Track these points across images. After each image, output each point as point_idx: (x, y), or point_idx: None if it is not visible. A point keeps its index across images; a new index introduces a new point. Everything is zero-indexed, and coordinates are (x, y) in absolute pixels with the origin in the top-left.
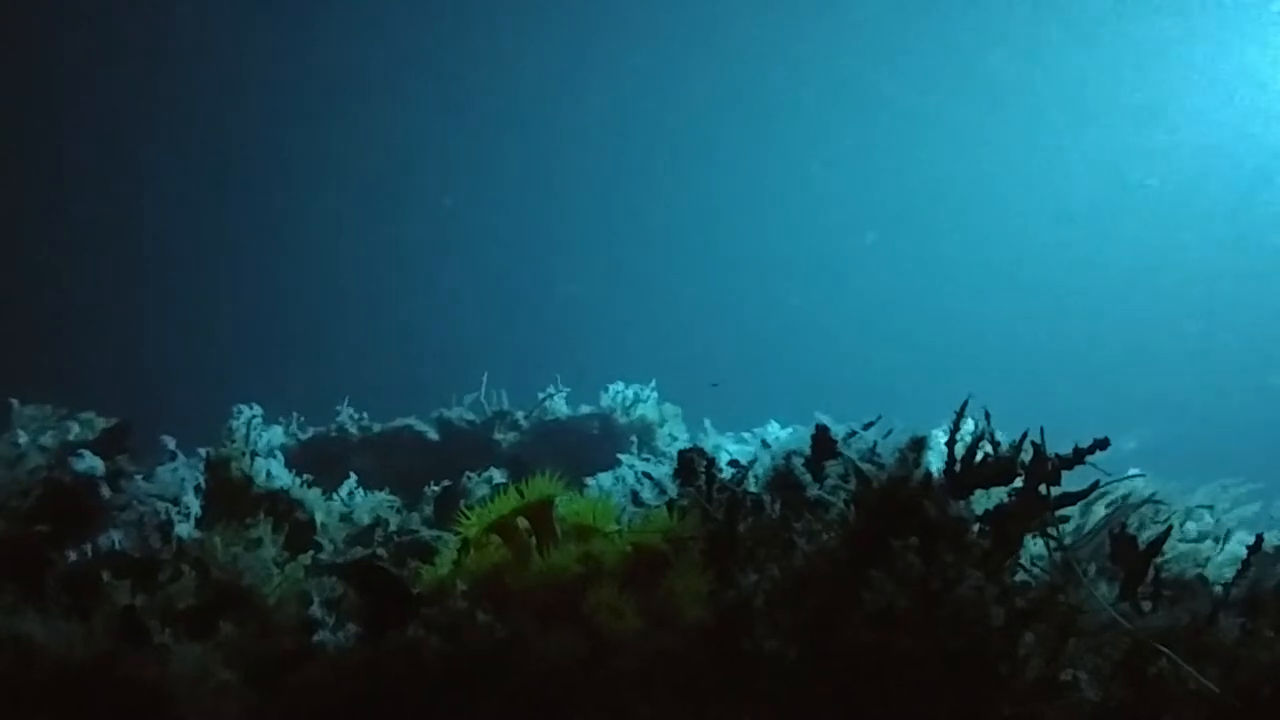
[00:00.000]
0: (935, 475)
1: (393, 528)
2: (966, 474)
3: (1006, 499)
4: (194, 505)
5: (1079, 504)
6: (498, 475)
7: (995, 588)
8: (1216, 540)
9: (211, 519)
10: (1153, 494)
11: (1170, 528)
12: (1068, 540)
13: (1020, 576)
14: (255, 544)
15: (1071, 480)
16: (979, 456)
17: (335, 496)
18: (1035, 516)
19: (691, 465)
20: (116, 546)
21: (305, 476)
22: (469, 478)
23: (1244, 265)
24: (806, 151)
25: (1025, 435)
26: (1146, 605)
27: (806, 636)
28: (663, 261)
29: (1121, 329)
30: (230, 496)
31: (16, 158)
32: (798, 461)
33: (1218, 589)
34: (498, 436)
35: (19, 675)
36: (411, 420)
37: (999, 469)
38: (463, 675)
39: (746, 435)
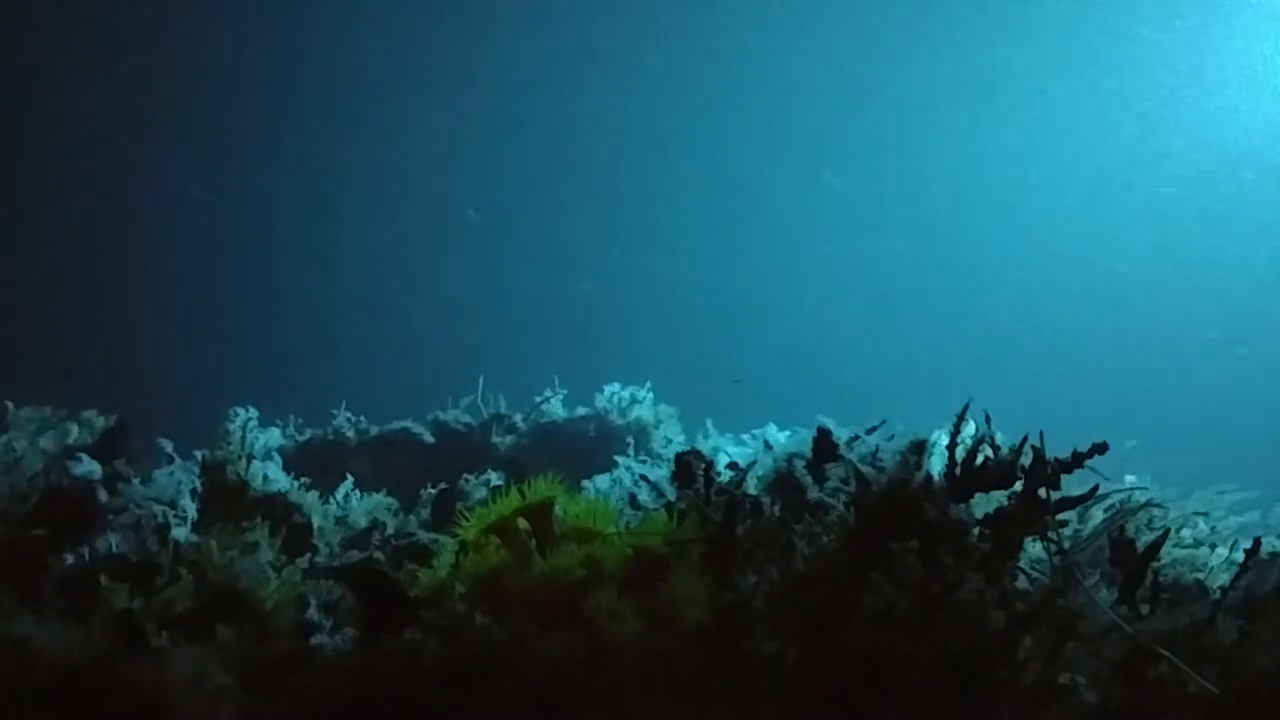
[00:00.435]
0: (936, 478)
1: (390, 531)
2: (966, 477)
3: (1006, 502)
4: (191, 509)
5: (1078, 508)
6: (494, 478)
7: (995, 591)
8: (1213, 546)
9: (208, 522)
10: (1151, 499)
11: (1167, 532)
12: (1067, 544)
13: (1020, 580)
14: (252, 547)
15: (1072, 484)
16: (979, 460)
17: (332, 500)
18: (1035, 520)
19: (689, 468)
20: (114, 550)
21: (302, 479)
22: (466, 480)
23: (1245, 266)
24: (809, 151)
25: (1025, 439)
26: (1145, 609)
27: (806, 639)
28: (661, 261)
29: (1129, 333)
30: (227, 500)
31: (15, 159)
32: (799, 464)
33: (1215, 593)
34: (495, 439)
35: (17, 678)
36: (408, 423)
37: (999, 472)
38: (461, 678)
39: (746, 437)
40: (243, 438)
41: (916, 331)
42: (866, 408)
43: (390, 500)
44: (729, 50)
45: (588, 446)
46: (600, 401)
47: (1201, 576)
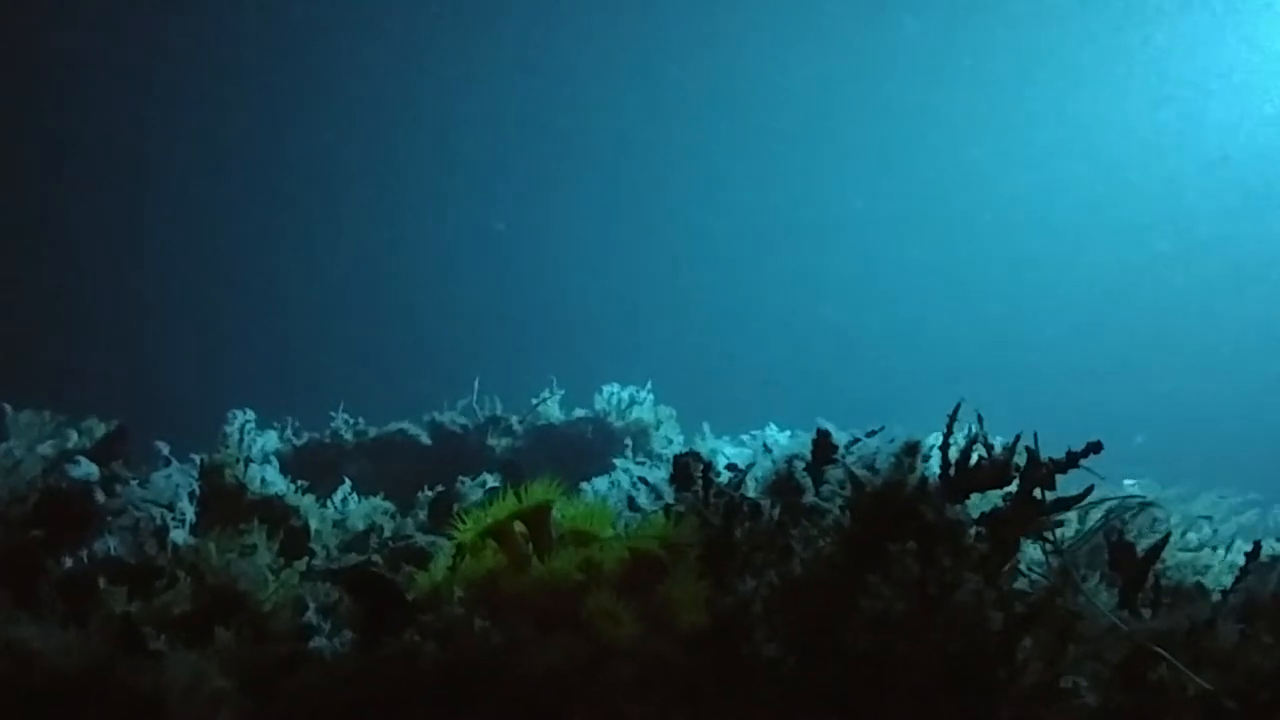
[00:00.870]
0: (931, 479)
1: (387, 534)
2: (961, 478)
3: (1001, 503)
4: (189, 511)
5: (1077, 508)
6: (491, 480)
7: (993, 592)
8: (1215, 549)
9: (206, 525)
10: (1151, 500)
11: (1169, 534)
12: (1065, 545)
13: (1018, 581)
14: (250, 550)
15: (1072, 485)
16: (974, 460)
17: (329, 503)
18: (1032, 521)
19: (687, 470)
20: (112, 553)
21: (300, 482)
22: (463, 482)
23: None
24: (809, 152)
25: (1018, 439)
26: (1145, 611)
27: (804, 641)
28: (661, 261)
29: (1129, 333)
30: (225, 503)
31: (14, 160)
32: (798, 466)
33: (1216, 595)
34: (491, 441)
35: (14, 681)
36: (405, 425)
37: (993, 473)
38: (459, 681)
39: (745, 439)
40: (240, 440)
41: (920, 334)
42: (868, 410)
43: (387, 503)
44: (729, 51)
45: (586, 448)
46: (599, 402)
47: (1202, 579)
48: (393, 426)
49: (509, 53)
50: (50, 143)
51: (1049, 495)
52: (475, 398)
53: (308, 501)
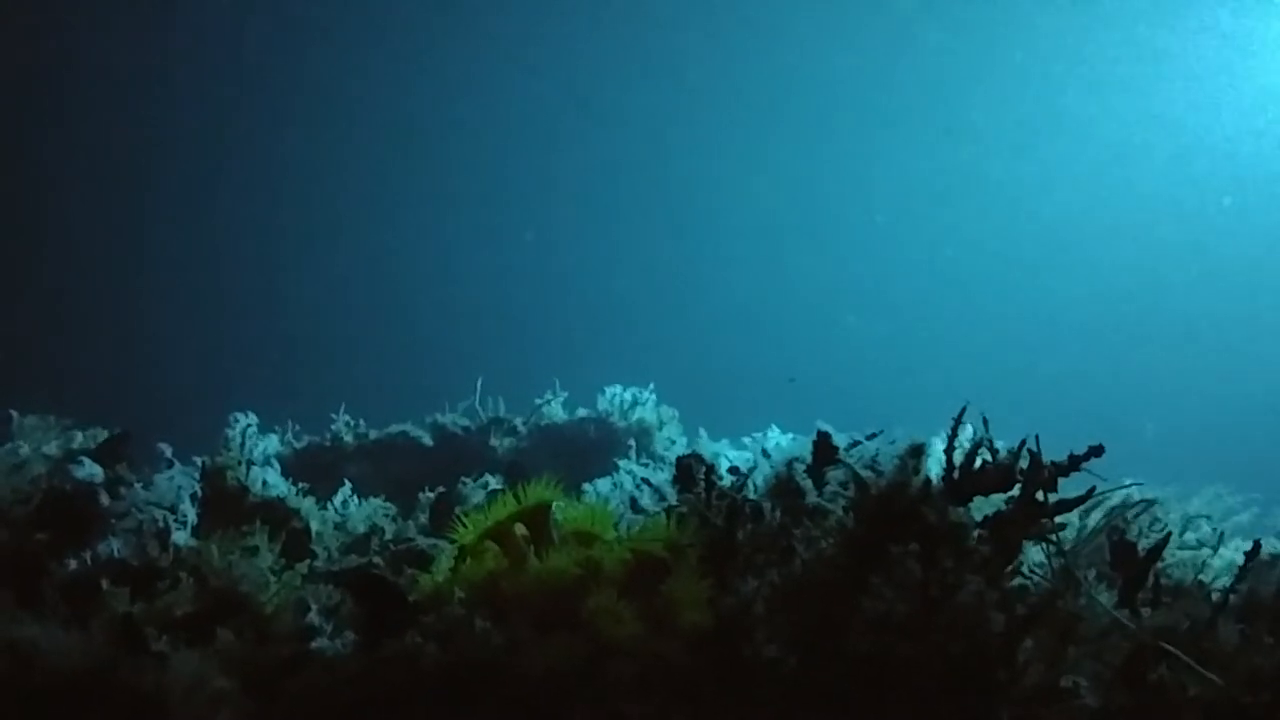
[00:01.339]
0: (934, 481)
1: (388, 536)
2: (964, 480)
3: (1005, 506)
4: (191, 513)
5: (1078, 510)
6: (493, 481)
7: (995, 593)
8: (1214, 548)
9: (208, 527)
10: (1151, 501)
11: (1169, 534)
12: (1067, 546)
13: (1019, 583)
14: (252, 552)
15: (1072, 487)
16: (977, 463)
17: (330, 505)
18: (1034, 522)
19: (690, 472)
20: (115, 554)
21: (301, 485)
22: (464, 484)
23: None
24: (812, 154)
25: (1023, 443)
26: (1146, 611)
27: (806, 643)
28: (663, 261)
29: (1131, 335)
30: (227, 505)
31: (15, 160)
32: (799, 468)
33: (1216, 595)
34: (494, 442)
35: (17, 682)
36: (406, 426)
37: (997, 476)
38: (460, 682)
39: (746, 441)
40: (242, 443)
41: (926, 338)
42: (870, 413)
43: (388, 505)
44: (730, 54)
45: (589, 449)
46: (601, 403)
47: (1203, 578)
48: (394, 428)
49: (510, 53)
50: (50, 143)
51: (1051, 497)
52: (478, 399)
53: (309, 504)
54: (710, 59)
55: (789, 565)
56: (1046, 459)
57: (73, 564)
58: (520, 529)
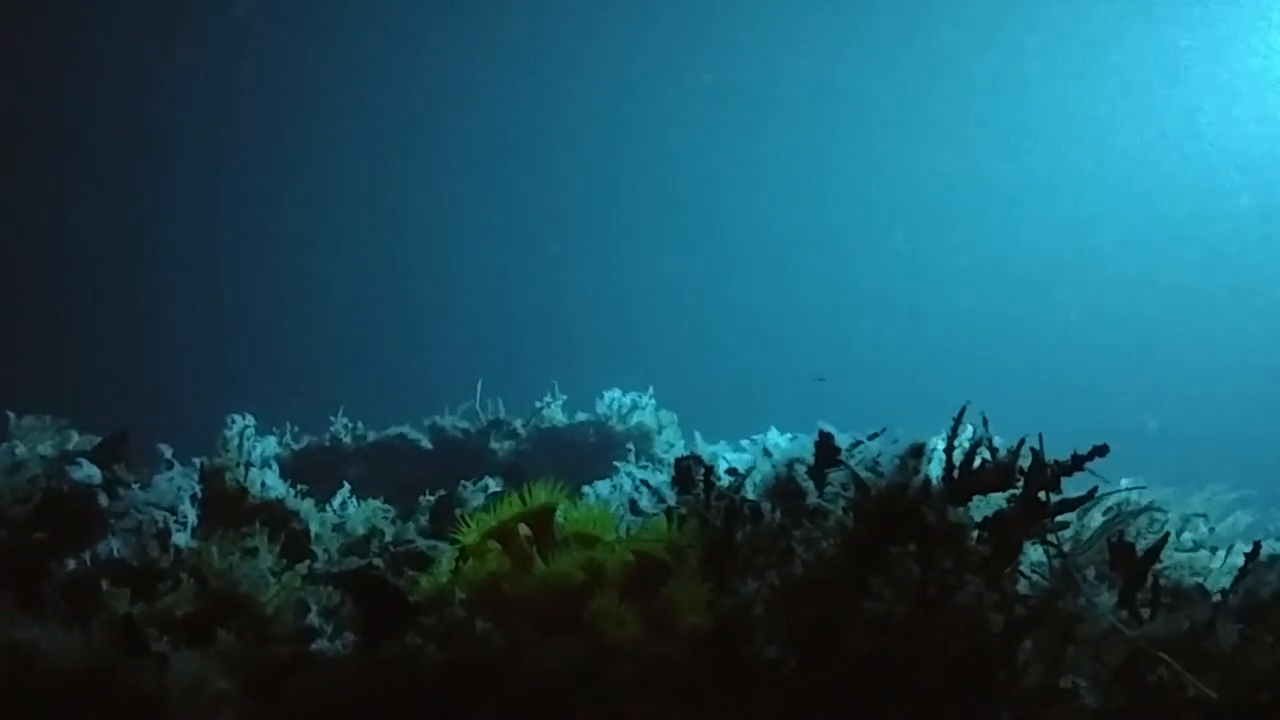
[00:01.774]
0: (934, 482)
1: (388, 538)
2: (964, 480)
3: (1005, 505)
4: (191, 514)
5: (1078, 510)
6: (493, 484)
7: (994, 594)
8: (1213, 549)
9: (208, 528)
10: (1151, 502)
11: (1168, 535)
12: (1067, 547)
13: (1020, 583)
14: (251, 553)
15: (1073, 487)
16: (977, 463)
17: (328, 507)
18: (1034, 523)
19: (689, 473)
20: (115, 555)
21: (300, 486)
22: (464, 487)
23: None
24: (813, 155)
25: (1023, 441)
26: (1145, 613)
27: (806, 644)
28: (663, 263)
29: (1130, 335)
30: (226, 506)
31: (15, 161)
32: (800, 469)
33: (1216, 596)
34: (493, 445)
35: (17, 682)
36: (405, 429)
37: (997, 475)
38: (461, 683)
39: (745, 443)
40: (240, 445)
41: (924, 338)
42: (871, 414)
43: (386, 507)
44: (732, 54)
45: (588, 452)
46: (601, 407)
47: (1202, 579)
48: (392, 431)
49: (510, 53)
50: (50, 143)
51: (1053, 498)
52: (478, 401)
53: (308, 505)
54: (712, 59)
55: (789, 566)
56: (1048, 458)
57: (72, 564)
58: (524, 530)
